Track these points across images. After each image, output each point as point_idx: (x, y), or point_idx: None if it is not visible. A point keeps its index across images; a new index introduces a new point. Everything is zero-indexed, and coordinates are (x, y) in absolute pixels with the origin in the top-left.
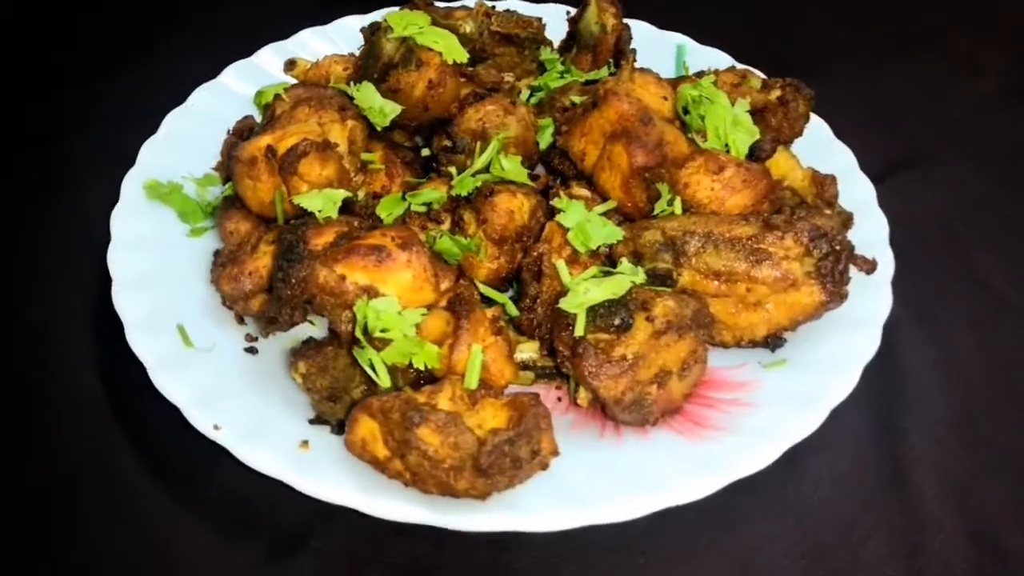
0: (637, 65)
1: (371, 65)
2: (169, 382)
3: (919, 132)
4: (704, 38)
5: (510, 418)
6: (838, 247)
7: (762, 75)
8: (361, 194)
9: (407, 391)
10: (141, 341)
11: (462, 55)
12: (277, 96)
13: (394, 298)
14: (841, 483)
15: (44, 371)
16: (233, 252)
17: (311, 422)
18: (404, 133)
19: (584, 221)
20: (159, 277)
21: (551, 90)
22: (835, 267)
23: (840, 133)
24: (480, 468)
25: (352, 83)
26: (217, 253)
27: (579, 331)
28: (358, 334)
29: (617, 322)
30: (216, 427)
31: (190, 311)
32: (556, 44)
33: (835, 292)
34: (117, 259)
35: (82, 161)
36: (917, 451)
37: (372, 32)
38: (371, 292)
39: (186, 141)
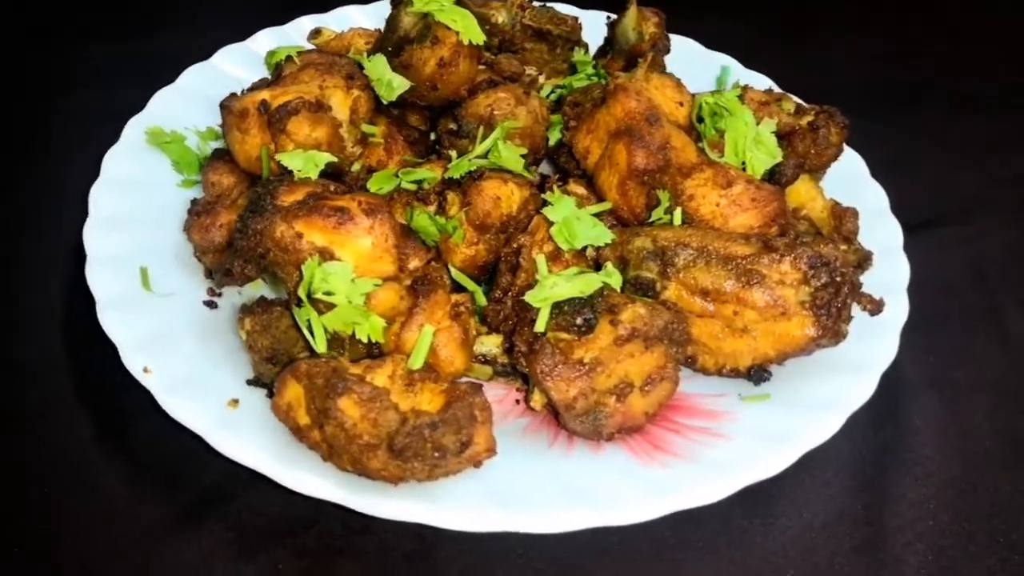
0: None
1: (388, 38)
2: (114, 320)
3: (966, 186)
4: (748, 63)
5: (445, 403)
6: (839, 279)
7: (800, 101)
8: (357, 166)
9: (341, 359)
10: (99, 276)
11: (479, 36)
12: (288, 57)
13: (349, 264)
14: (807, 536)
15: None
16: (210, 203)
17: (248, 382)
18: (420, 116)
19: (572, 218)
20: (137, 219)
21: (572, 90)
22: (832, 300)
23: (878, 174)
24: (395, 449)
25: (368, 55)
26: (194, 202)
27: (540, 326)
28: (300, 293)
29: (579, 322)
30: (146, 370)
31: (160, 257)
32: (594, 49)
33: (829, 327)
34: (98, 195)
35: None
36: (902, 518)
37: (395, 4)
38: (326, 254)
39: (199, 95)
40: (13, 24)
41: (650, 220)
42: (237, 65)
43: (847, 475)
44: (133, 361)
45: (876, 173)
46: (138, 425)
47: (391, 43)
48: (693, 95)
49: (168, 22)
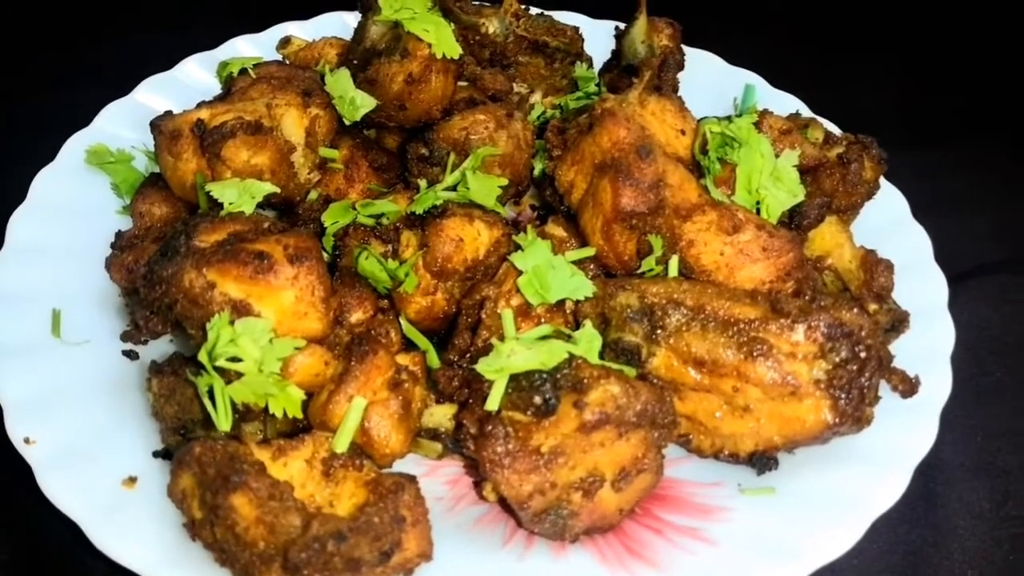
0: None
1: (354, 49)
2: (5, 370)
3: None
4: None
5: (362, 503)
6: (864, 353)
7: (833, 126)
8: (313, 195)
9: (247, 440)
10: (0, 317)
11: (454, 49)
12: (243, 70)
13: (268, 321)
14: None
15: None
16: (136, 236)
17: (154, 455)
18: (395, 138)
19: (545, 266)
20: (61, 251)
21: (568, 111)
22: (855, 380)
23: (923, 215)
24: (290, 565)
25: (335, 69)
26: (119, 235)
27: (492, 404)
28: (201, 357)
29: (538, 401)
30: (27, 440)
31: (81, 297)
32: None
33: (849, 413)
34: (19, 222)
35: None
36: None
37: (363, 11)
38: (242, 309)
39: (155, 111)
40: None
41: (640, 270)
42: (205, 75)
43: None
44: (16, 428)
45: (921, 213)
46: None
47: (357, 55)
48: (700, 120)
49: (142, 25)
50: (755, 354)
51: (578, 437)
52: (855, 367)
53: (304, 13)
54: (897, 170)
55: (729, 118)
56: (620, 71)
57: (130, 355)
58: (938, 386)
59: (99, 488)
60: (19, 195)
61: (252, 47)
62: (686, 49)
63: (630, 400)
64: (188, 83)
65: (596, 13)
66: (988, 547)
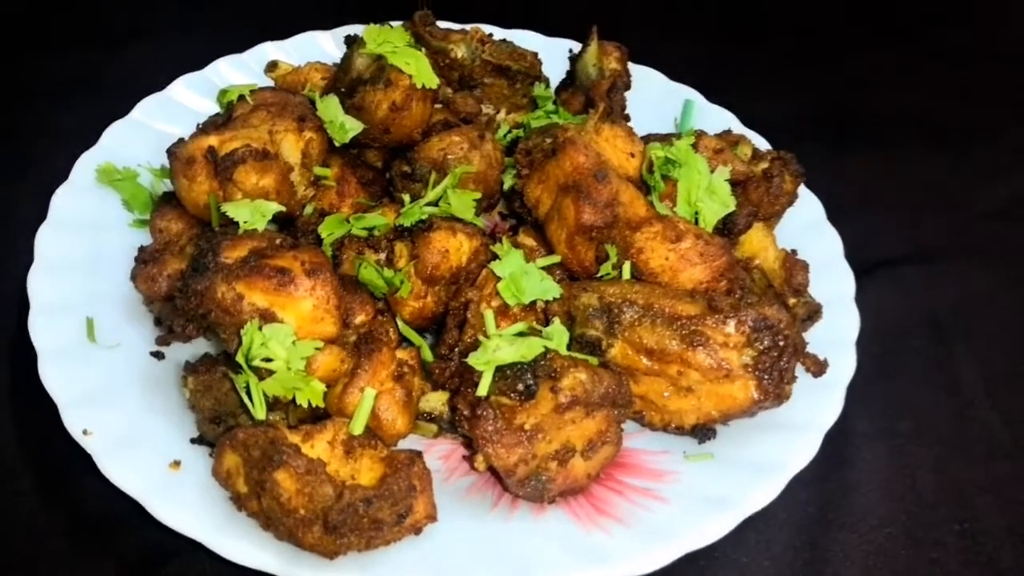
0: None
1: (341, 78)
2: (55, 375)
3: (935, 226)
4: (721, 94)
5: (382, 475)
6: (783, 342)
7: (764, 142)
8: (309, 209)
9: (280, 427)
10: (41, 327)
11: (432, 80)
12: (241, 97)
13: (290, 326)
14: None
15: None
16: (157, 251)
17: (193, 441)
18: (377, 153)
19: (519, 272)
20: (85, 263)
21: (529, 131)
22: (776, 363)
23: (844, 213)
24: (329, 525)
25: (323, 95)
26: (142, 249)
27: (482, 390)
28: (239, 358)
29: (521, 388)
30: (86, 432)
31: (107, 305)
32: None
33: (771, 391)
34: (44, 238)
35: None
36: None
37: (348, 44)
38: (267, 316)
39: (153, 129)
40: None
41: (599, 275)
42: (193, 96)
43: (792, 532)
44: (73, 423)
45: (842, 210)
46: (80, 480)
47: (344, 84)
48: (646, 143)
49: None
50: (695, 344)
51: (554, 416)
52: (775, 353)
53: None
54: (824, 173)
55: (671, 139)
56: (573, 90)
57: (158, 356)
58: (844, 367)
59: (151, 470)
60: (28, 204)
61: (235, 68)
62: (632, 67)
63: (595, 385)
64: (182, 102)
65: (552, 31)
66: (885, 495)
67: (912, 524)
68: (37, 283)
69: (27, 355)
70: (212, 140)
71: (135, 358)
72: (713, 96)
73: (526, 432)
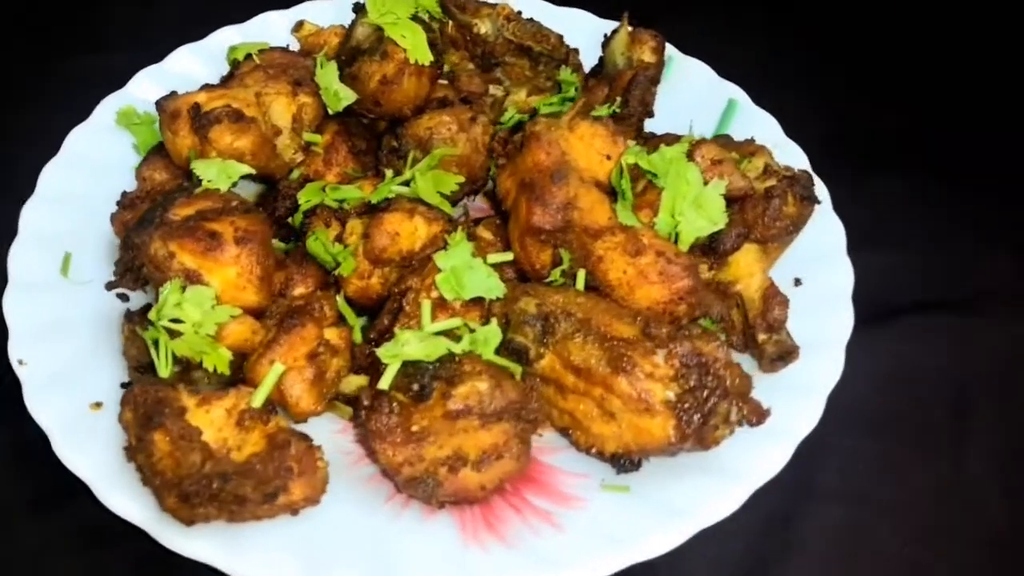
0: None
1: (343, 46)
2: (15, 303)
3: (983, 271)
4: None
5: (257, 452)
6: (712, 383)
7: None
8: (296, 173)
9: (174, 388)
10: (19, 256)
11: (426, 55)
12: (248, 56)
13: (212, 290)
14: None
15: None
16: (137, 198)
17: (122, 386)
18: (381, 124)
19: (463, 266)
20: (81, 201)
21: (536, 114)
22: (700, 405)
23: (880, 243)
24: (182, 494)
25: (330, 60)
26: (124, 194)
27: (383, 383)
28: (151, 315)
29: (415, 387)
30: (21, 362)
31: (90, 243)
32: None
33: (691, 434)
34: (49, 172)
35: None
36: None
37: (355, 11)
38: (194, 277)
39: (186, 78)
40: None
41: (548, 279)
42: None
43: None
44: (14, 351)
45: (879, 240)
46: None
47: (345, 52)
48: (660, 143)
49: None
50: (620, 369)
51: (444, 422)
52: (702, 394)
53: None
54: (865, 195)
55: (660, 143)
56: (600, 78)
57: (123, 298)
58: (804, 417)
59: (71, 408)
60: (53, 151)
61: (285, 21)
62: (679, 56)
63: (493, 397)
64: (217, 52)
65: (610, 12)
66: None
67: None
68: (29, 214)
69: None
70: (200, 97)
71: (100, 298)
72: (763, 99)
73: (415, 434)
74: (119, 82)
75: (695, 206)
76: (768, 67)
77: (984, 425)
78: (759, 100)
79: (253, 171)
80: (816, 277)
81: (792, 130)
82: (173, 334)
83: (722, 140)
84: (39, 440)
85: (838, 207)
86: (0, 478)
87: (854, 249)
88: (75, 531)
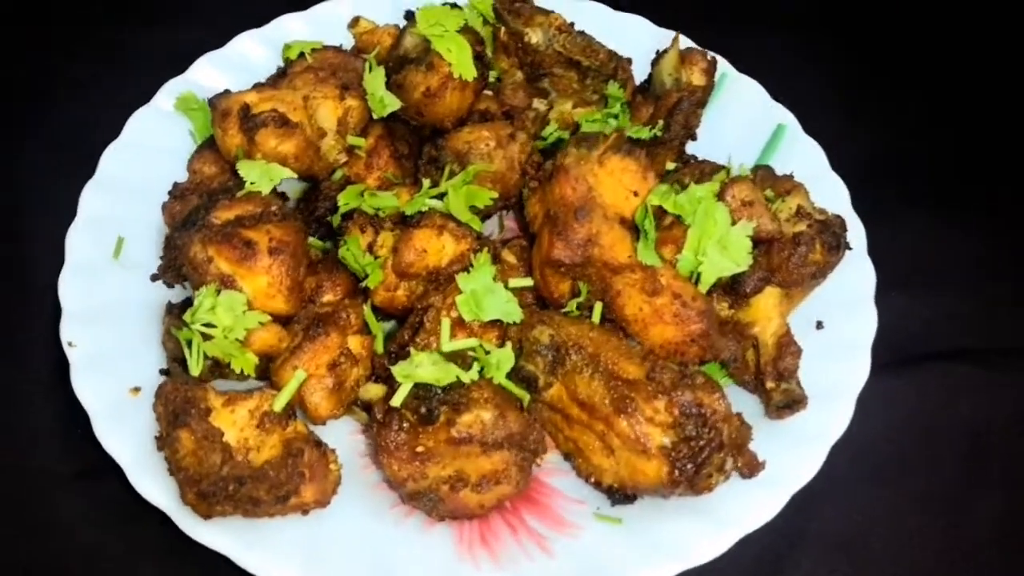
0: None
1: (391, 53)
2: (70, 285)
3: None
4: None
5: (273, 457)
6: (709, 434)
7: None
8: (338, 174)
9: (204, 388)
10: (76, 237)
11: (470, 71)
12: (301, 55)
13: (244, 296)
14: None
15: None
16: (187, 189)
17: (161, 372)
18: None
19: (483, 290)
20: (138, 186)
21: (571, 134)
22: (695, 455)
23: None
24: (200, 493)
25: (380, 63)
26: (175, 184)
27: (396, 400)
28: (186, 316)
29: (423, 410)
30: (70, 344)
31: (143, 229)
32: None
33: (683, 481)
34: (109, 156)
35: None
36: None
37: (407, 18)
38: (229, 283)
39: (245, 66)
40: None
41: (565, 309)
42: (295, 34)
43: None
44: (65, 333)
45: (907, 282)
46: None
47: (393, 59)
48: (687, 180)
49: None
50: (622, 410)
51: (448, 446)
52: (697, 444)
53: None
54: (907, 233)
55: (688, 182)
56: (646, 96)
57: (170, 285)
58: (805, 467)
59: (112, 392)
60: (113, 129)
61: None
62: (734, 74)
63: (496, 427)
64: (278, 40)
65: (669, 22)
66: None
67: None
68: (88, 197)
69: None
70: (250, 97)
71: (147, 284)
72: (813, 121)
73: (420, 453)
74: (185, 61)
75: (720, 246)
76: (826, 91)
77: (994, 481)
78: (811, 121)
79: (295, 175)
80: (838, 322)
81: (838, 157)
82: (206, 336)
83: (762, 172)
84: (86, 416)
85: (875, 245)
86: (48, 448)
87: (884, 290)
88: (112, 505)
